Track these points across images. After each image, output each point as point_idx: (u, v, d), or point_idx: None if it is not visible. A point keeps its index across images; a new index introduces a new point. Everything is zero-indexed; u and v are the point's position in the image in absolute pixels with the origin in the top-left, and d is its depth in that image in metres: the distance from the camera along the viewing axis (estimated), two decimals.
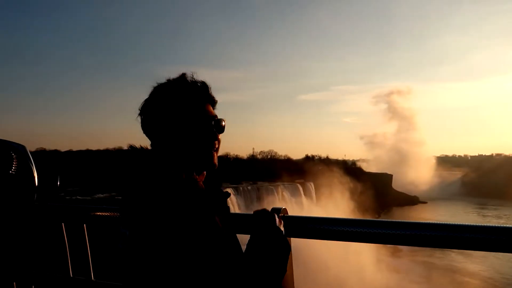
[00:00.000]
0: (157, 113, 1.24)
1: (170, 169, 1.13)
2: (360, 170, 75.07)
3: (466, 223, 1.29)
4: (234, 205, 42.00)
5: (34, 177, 1.69)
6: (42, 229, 1.90)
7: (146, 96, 1.29)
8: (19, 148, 1.68)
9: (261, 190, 50.40)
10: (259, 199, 47.26)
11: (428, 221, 1.40)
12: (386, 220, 1.41)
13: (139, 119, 1.29)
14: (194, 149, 1.23)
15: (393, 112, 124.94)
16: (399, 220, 1.39)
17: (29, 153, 1.71)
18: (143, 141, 1.29)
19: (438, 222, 1.36)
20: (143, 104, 1.28)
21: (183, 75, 1.27)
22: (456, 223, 1.32)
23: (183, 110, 1.23)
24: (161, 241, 1.01)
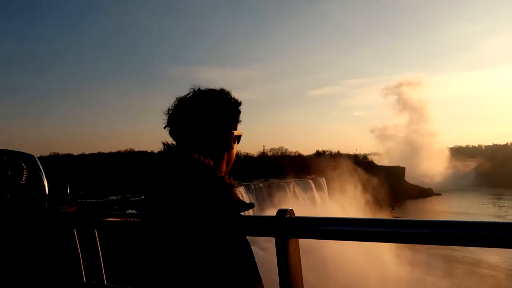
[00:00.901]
0: (200, 119, 1.31)
1: (208, 165, 1.21)
2: (372, 163, 74.59)
3: (480, 220, 1.27)
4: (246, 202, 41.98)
5: (44, 186, 1.72)
6: (54, 236, 1.93)
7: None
8: (29, 158, 1.71)
9: (272, 187, 50.31)
10: (271, 196, 47.21)
11: (438, 219, 1.37)
12: (392, 218, 1.40)
13: (162, 117, 1.35)
14: (222, 161, 1.36)
15: (403, 103, 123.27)
16: (408, 219, 1.38)
17: (38, 162, 1.74)
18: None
19: (448, 219, 1.34)
20: (183, 105, 1.33)
21: (224, 91, 1.36)
22: (467, 220, 1.30)
23: (224, 124, 1.34)
24: (196, 232, 1.11)
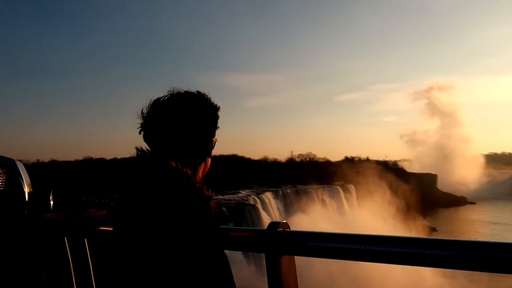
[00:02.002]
0: (179, 124, 1.22)
1: (186, 174, 1.13)
2: (402, 170, 72.80)
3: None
4: (274, 209, 41.78)
5: (23, 192, 1.62)
6: (36, 244, 1.82)
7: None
8: (8, 162, 1.61)
9: (300, 193, 49.83)
10: (298, 202, 46.74)
11: (458, 239, 1.12)
12: (402, 236, 1.18)
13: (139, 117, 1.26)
14: (199, 169, 1.28)
15: (434, 108, 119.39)
16: (421, 237, 1.16)
17: (19, 167, 1.63)
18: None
19: (471, 239, 1.09)
20: (160, 107, 1.24)
21: (204, 94, 1.29)
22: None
23: (204, 129, 1.26)
24: (171, 241, 1.04)
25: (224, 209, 34.27)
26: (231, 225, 1.45)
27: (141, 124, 1.25)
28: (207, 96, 1.30)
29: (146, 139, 1.24)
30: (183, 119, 1.22)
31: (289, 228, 1.35)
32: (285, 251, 1.31)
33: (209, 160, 1.33)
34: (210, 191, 1.16)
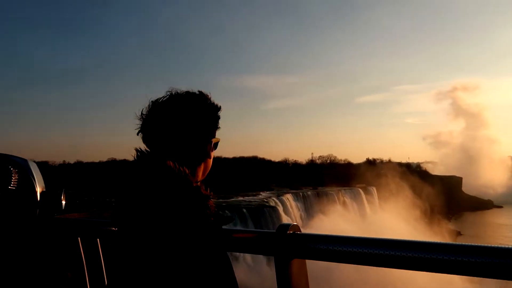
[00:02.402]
0: (177, 124, 1.21)
1: (183, 173, 1.12)
2: (425, 173, 71.39)
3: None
4: (294, 210, 41.59)
5: (35, 192, 1.62)
6: (49, 244, 1.82)
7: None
8: (21, 163, 1.62)
9: (321, 195, 49.44)
10: (319, 204, 46.37)
11: (487, 245, 1.03)
12: (418, 241, 1.11)
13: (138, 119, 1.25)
14: (198, 170, 1.26)
15: (458, 109, 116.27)
16: (443, 242, 1.09)
17: (31, 167, 1.64)
18: None
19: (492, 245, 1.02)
20: (159, 108, 1.23)
21: (204, 94, 1.28)
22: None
23: (202, 129, 1.25)
24: (170, 246, 1.02)
25: (244, 210, 34.35)
26: (238, 227, 1.41)
27: (140, 125, 1.24)
28: (208, 96, 1.29)
29: (144, 140, 1.24)
30: (181, 120, 1.21)
31: (300, 231, 1.30)
32: (295, 254, 1.26)
33: (210, 161, 1.31)
34: (208, 191, 1.14)
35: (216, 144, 1.32)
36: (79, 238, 1.97)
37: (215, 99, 1.31)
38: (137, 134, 1.25)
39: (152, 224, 1.04)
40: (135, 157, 1.19)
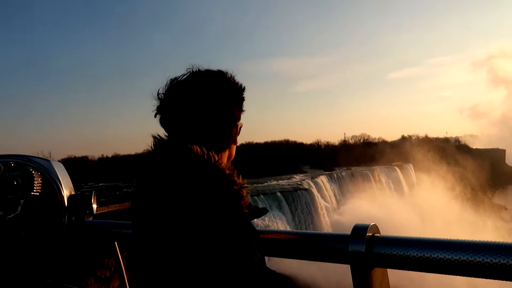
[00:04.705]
0: (201, 105, 1.07)
1: (213, 159, 0.99)
2: (465, 146, 68.82)
3: None
4: (329, 192, 41.12)
5: (62, 196, 1.44)
6: (78, 250, 1.66)
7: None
8: (43, 164, 1.44)
9: (355, 175, 48.58)
10: (354, 185, 45.67)
11: None
12: None
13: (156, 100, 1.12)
14: (223, 156, 1.13)
15: (497, 77, 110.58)
16: None
17: (55, 168, 1.46)
18: None
19: None
20: (179, 87, 1.10)
21: (227, 73, 1.16)
22: None
23: (228, 111, 1.12)
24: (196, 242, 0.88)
25: (279, 194, 34.28)
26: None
27: (157, 106, 1.11)
28: (231, 74, 1.17)
29: (162, 123, 1.11)
30: (205, 99, 1.09)
31: (379, 233, 1.04)
32: (376, 262, 1.01)
33: (234, 147, 1.19)
34: (241, 178, 1.00)
35: (240, 129, 1.20)
36: (115, 242, 1.81)
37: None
38: (155, 116, 1.12)
39: (180, 220, 0.89)
40: (153, 146, 1.06)
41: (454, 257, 0.91)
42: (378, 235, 1.03)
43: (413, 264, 0.97)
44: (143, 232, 0.98)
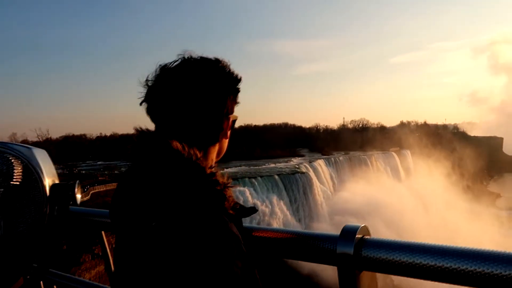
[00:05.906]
0: (190, 94, 1.00)
1: (194, 157, 0.92)
2: (463, 134, 68.99)
3: None
4: (327, 176, 41.29)
5: (43, 185, 1.39)
6: (60, 239, 1.61)
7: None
8: (25, 152, 1.38)
9: (353, 160, 48.74)
10: (352, 169, 45.83)
11: None
12: None
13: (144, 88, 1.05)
14: (211, 151, 1.05)
15: (498, 64, 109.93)
16: None
17: (37, 156, 1.40)
18: None
19: None
20: (168, 75, 1.02)
21: (222, 61, 1.08)
22: None
23: (220, 103, 1.04)
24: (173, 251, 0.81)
25: (276, 177, 34.33)
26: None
27: (145, 94, 1.03)
28: (227, 63, 1.08)
29: (149, 112, 1.03)
30: (194, 88, 1.01)
31: (370, 235, 1.00)
32: (365, 265, 0.96)
33: (226, 141, 1.10)
34: (226, 177, 0.94)
35: (233, 122, 1.11)
36: (103, 232, 1.77)
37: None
38: (140, 104, 1.05)
39: (155, 225, 0.84)
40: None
41: (445, 265, 0.87)
42: (368, 237, 0.98)
43: (403, 270, 0.93)
44: (120, 235, 0.94)
